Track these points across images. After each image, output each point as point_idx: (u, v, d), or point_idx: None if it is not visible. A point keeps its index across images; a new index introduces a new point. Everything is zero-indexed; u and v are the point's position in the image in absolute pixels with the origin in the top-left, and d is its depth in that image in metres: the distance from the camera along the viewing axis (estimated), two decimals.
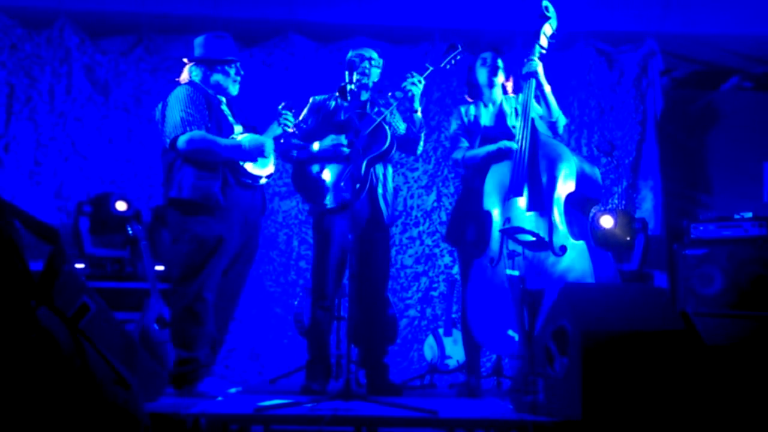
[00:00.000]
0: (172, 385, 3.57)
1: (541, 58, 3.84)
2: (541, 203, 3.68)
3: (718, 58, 6.10)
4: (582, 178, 3.68)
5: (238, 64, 3.86)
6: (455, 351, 4.87)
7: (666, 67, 6.03)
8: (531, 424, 2.73)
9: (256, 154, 3.72)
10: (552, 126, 3.92)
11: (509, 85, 4.13)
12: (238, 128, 3.81)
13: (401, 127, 4.07)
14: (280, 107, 3.89)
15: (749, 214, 4.93)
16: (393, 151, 3.97)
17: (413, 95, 3.91)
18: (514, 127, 3.91)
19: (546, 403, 2.90)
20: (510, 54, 4.98)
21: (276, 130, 3.86)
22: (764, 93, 6.13)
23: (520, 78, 3.88)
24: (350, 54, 4.07)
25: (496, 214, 3.79)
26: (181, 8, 5.62)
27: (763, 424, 2.77)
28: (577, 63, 5.97)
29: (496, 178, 3.82)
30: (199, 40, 3.85)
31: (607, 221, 5.20)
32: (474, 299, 3.81)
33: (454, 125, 4.13)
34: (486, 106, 4.09)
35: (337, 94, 3.91)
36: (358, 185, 3.51)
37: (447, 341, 4.97)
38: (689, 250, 5.00)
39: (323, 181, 3.93)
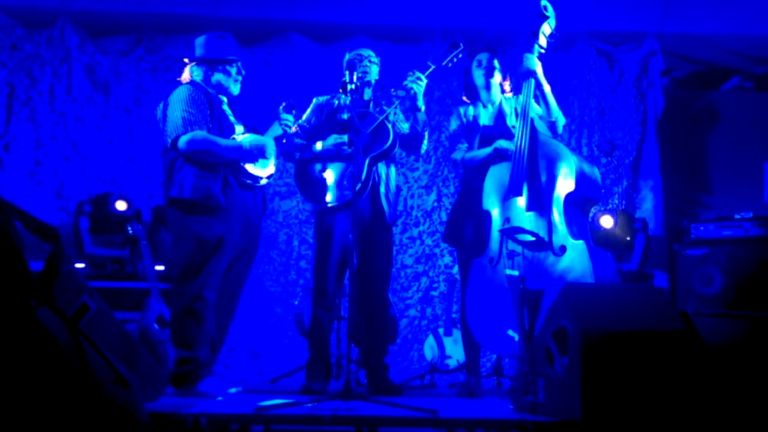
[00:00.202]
0: (172, 385, 3.57)
1: (541, 57, 3.83)
2: (541, 203, 3.67)
3: (719, 58, 6.10)
4: (581, 178, 3.68)
5: (239, 64, 3.86)
6: (455, 351, 4.87)
7: (666, 67, 6.03)
8: (531, 424, 2.73)
9: (257, 154, 3.72)
10: (552, 126, 3.92)
11: (507, 85, 4.12)
12: (239, 128, 3.81)
13: (405, 126, 4.07)
14: (281, 108, 3.90)
15: (749, 214, 4.92)
16: (395, 150, 3.97)
17: (415, 93, 3.91)
18: (513, 127, 3.90)
19: (546, 403, 2.90)
20: (511, 53, 4.98)
21: (277, 130, 3.87)
22: (765, 93, 6.13)
23: (519, 77, 3.88)
24: (348, 56, 4.10)
25: (495, 214, 3.79)
26: (182, 8, 5.62)
27: (763, 424, 2.77)
28: (577, 63, 5.97)
29: (495, 178, 3.82)
30: (200, 40, 3.85)
31: (607, 221, 5.20)
32: (474, 299, 3.81)
33: (453, 126, 4.13)
34: (485, 107, 4.09)
35: (340, 91, 3.92)
36: (359, 185, 3.51)
37: (447, 341, 4.97)
38: (689, 250, 5.00)
39: (325, 180, 3.94)
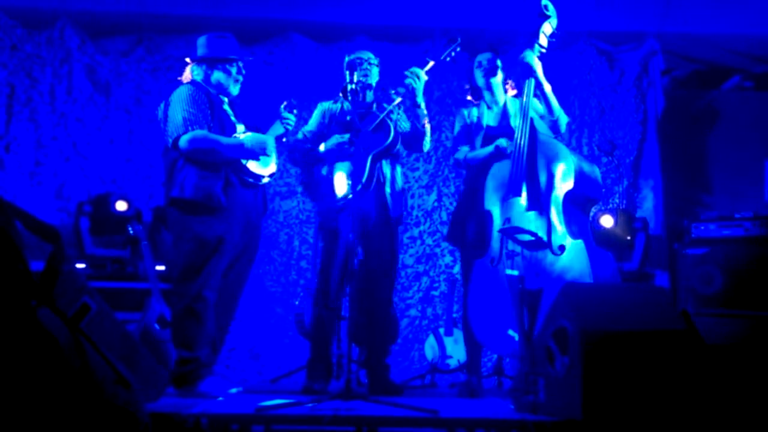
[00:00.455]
0: (172, 385, 3.57)
1: (541, 57, 3.82)
2: (540, 202, 3.67)
3: (719, 58, 6.10)
4: (581, 177, 3.68)
5: (240, 64, 3.87)
6: (456, 351, 4.87)
7: (667, 66, 6.03)
8: (532, 423, 2.73)
9: (258, 152, 3.72)
10: (554, 125, 3.91)
11: (510, 85, 4.12)
12: (240, 127, 3.81)
13: (406, 125, 4.08)
14: (282, 107, 3.90)
15: (750, 214, 4.92)
16: (397, 146, 3.97)
17: (414, 89, 3.92)
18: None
19: (547, 403, 2.90)
20: (511, 53, 4.98)
21: (278, 129, 3.88)
22: (765, 92, 6.12)
23: (519, 76, 3.88)
24: (347, 58, 4.12)
25: (496, 213, 3.79)
26: (182, 8, 5.62)
27: (763, 424, 2.77)
28: (577, 63, 5.97)
29: (497, 178, 3.82)
30: (201, 40, 3.86)
31: (607, 221, 5.20)
32: (475, 299, 3.81)
33: (458, 127, 4.14)
34: (490, 108, 4.09)
35: (340, 95, 3.93)
36: (359, 186, 3.51)
37: (448, 341, 4.98)
38: (690, 249, 4.99)
39: (331, 181, 3.94)
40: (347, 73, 3.75)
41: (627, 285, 4.54)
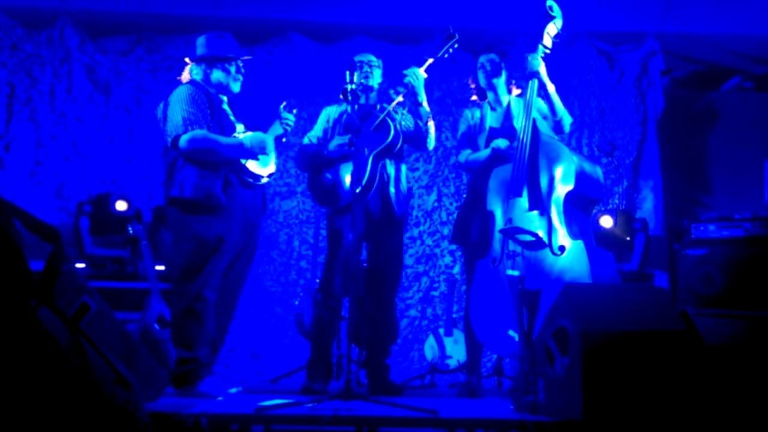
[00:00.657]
0: (172, 385, 3.57)
1: (544, 58, 3.82)
2: (541, 203, 3.67)
3: (719, 58, 6.10)
4: (581, 177, 3.67)
5: (239, 63, 3.87)
6: (456, 351, 4.87)
7: (667, 67, 6.03)
8: (532, 424, 2.73)
9: (257, 151, 3.72)
10: (557, 125, 3.91)
11: (513, 86, 4.12)
12: (239, 127, 3.82)
13: (410, 124, 4.07)
14: (281, 107, 3.91)
15: (749, 214, 4.92)
16: (398, 144, 3.96)
17: (413, 87, 3.92)
18: None
19: (546, 403, 2.90)
20: (511, 54, 4.98)
21: (278, 129, 3.89)
22: (765, 93, 6.12)
23: (522, 78, 3.87)
24: (355, 59, 4.12)
25: (498, 214, 3.79)
26: (182, 8, 5.62)
27: (763, 424, 2.77)
28: (577, 63, 5.97)
29: (499, 178, 3.82)
30: (200, 40, 3.86)
31: (606, 221, 5.20)
32: (477, 299, 3.81)
33: (462, 129, 4.15)
34: (493, 109, 4.09)
35: (341, 97, 3.93)
36: (359, 187, 3.51)
37: (448, 341, 4.98)
38: (690, 250, 4.99)
39: (335, 182, 3.94)
40: (347, 73, 3.74)
41: (627, 285, 4.54)
